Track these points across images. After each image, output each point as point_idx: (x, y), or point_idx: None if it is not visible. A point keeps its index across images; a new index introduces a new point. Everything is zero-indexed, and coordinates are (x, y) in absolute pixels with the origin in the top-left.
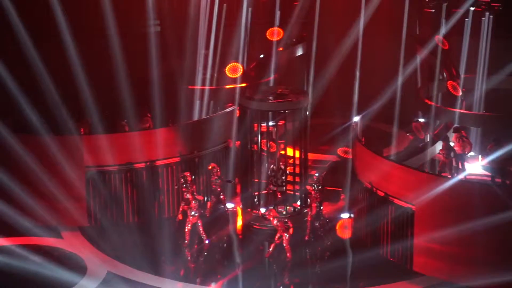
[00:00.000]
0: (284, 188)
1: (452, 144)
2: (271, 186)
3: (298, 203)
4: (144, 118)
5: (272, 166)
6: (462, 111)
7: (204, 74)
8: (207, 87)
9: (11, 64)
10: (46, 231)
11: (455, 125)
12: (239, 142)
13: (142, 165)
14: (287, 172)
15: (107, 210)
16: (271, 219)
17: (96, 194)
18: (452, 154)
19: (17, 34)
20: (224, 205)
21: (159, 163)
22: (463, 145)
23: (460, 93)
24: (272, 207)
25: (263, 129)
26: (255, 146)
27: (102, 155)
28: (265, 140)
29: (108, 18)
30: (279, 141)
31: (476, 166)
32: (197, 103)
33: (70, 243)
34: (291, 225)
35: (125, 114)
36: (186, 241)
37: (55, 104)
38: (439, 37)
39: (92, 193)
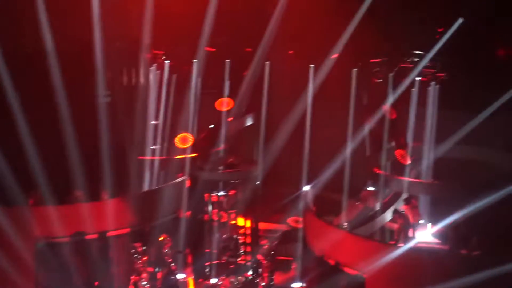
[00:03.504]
0: (236, 258)
1: (402, 212)
2: (224, 256)
3: (250, 272)
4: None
5: (224, 236)
6: (411, 179)
7: (154, 144)
8: (157, 158)
9: None
10: None
11: (405, 194)
12: (189, 212)
13: (93, 236)
14: (239, 242)
15: (56, 282)
16: None
17: (45, 266)
18: (402, 222)
19: None
20: (175, 275)
21: (110, 234)
22: (412, 213)
23: (409, 162)
24: (225, 277)
25: (214, 199)
26: (206, 216)
27: (52, 226)
28: (216, 210)
29: (57, 87)
30: (229, 211)
31: (426, 234)
32: (147, 173)
33: None
34: None
35: (76, 184)
36: None
37: (4, 174)
38: (386, 107)
39: (42, 265)
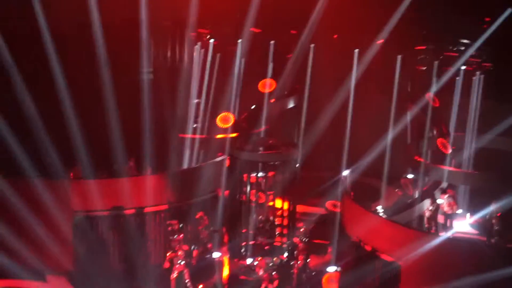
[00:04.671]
0: (272, 240)
1: (440, 201)
2: (260, 237)
3: (285, 254)
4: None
5: (261, 217)
6: (451, 168)
7: (196, 123)
8: (198, 136)
9: (1, 106)
10: (31, 274)
11: (444, 183)
12: (228, 191)
13: (131, 211)
14: (275, 223)
15: (93, 255)
16: (258, 269)
17: (83, 239)
18: (440, 211)
19: (10, 76)
20: (211, 254)
21: (147, 210)
22: (451, 203)
23: (450, 151)
24: (260, 258)
25: (253, 179)
26: (244, 196)
27: (91, 200)
28: (254, 191)
29: (102, 64)
30: (268, 192)
31: (463, 224)
32: (187, 151)
33: (54, 287)
34: (276, 277)
35: (116, 159)
36: None
37: (46, 148)
38: (430, 95)
39: (79, 237)
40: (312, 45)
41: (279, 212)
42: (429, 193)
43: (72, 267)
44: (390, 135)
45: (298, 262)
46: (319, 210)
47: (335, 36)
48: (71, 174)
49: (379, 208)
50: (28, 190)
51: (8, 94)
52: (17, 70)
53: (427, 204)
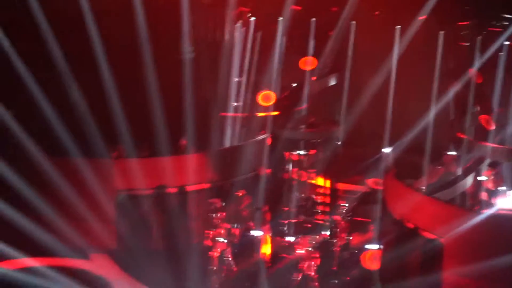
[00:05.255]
0: (314, 218)
1: (484, 178)
2: (302, 216)
3: (327, 232)
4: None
5: (302, 195)
6: (494, 145)
7: (237, 101)
8: (239, 115)
9: (46, 86)
10: (74, 252)
11: (488, 160)
12: (269, 170)
13: (173, 190)
14: (317, 201)
15: (136, 233)
16: (300, 247)
17: (125, 217)
18: (483, 188)
19: (54, 58)
20: (253, 232)
21: (189, 188)
22: (494, 179)
23: (493, 127)
24: (302, 236)
25: (294, 157)
26: (286, 174)
27: (133, 179)
28: (295, 169)
29: (143, 43)
30: (309, 170)
31: (507, 201)
32: (229, 130)
33: (97, 265)
34: (318, 255)
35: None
36: (214, 268)
37: (88, 127)
38: (473, 71)
39: (122, 216)
40: (353, 22)
41: (320, 190)
42: (472, 170)
43: (114, 246)
44: (433, 112)
45: (340, 240)
46: (360, 188)
47: (376, 13)
48: (114, 154)
49: (422, 186)
50: (71, 169)
51: (49, 74)
52: (58, 49)
53: (470, 181)
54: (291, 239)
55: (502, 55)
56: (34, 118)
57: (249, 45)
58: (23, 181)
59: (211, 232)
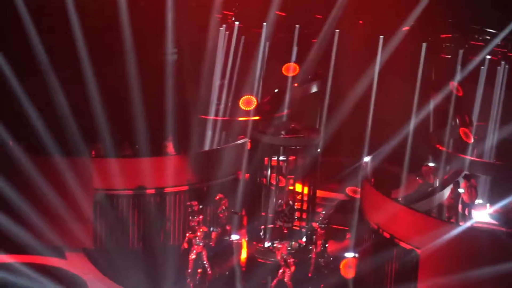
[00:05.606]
0: (291, 224)
1: (461, 191)
2: (279, 221)
3: (304, 239)
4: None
5: (280, 201)
6: (473, 158)
7: (218, 104)
8: (220, 118)
9: (28, 85)
10: (50, 250)
11: (465, 172)
12: (248, 174)
13: (151, 191)
14: (295, 207)
15: (112, 233)
16: (277, 253)
17: (103, 217)
18: (460, 201)
19: (37, 56)
20: (230, 236)
21: (167, 190)
22: (471, 193)
23: (472, 141)
24: (279, 241)
25: (273, 163)
26: (264, 179)
27: (112, 179)
28: (274, 174)
29: (126, 43)
30: (288, 176)
31: (483, 214)
32: (209, 133)
33: (73, 264)
34: (294, 261)
35: (137, 139)
36: (189, 270)
37: (68, 125)
38: (454, 83)
39: (99, 215)
40: (337, 30)
41: (299, 197)
42: (449, 182)
43: (91, 245)
44: (413, 122)
45: (317, 247)
46: (339, 196)
47: (360, 21)
48: (93, 152)
49: (400, 196)
50: (49, 167)
51: (31, 72)
52: (42, 48)
53: (447, 193)
54: (268, 244)
55: (484, 69)
56: (14, 116)
57: (232, 49)
58: (1, 178)
59: (188, 235)
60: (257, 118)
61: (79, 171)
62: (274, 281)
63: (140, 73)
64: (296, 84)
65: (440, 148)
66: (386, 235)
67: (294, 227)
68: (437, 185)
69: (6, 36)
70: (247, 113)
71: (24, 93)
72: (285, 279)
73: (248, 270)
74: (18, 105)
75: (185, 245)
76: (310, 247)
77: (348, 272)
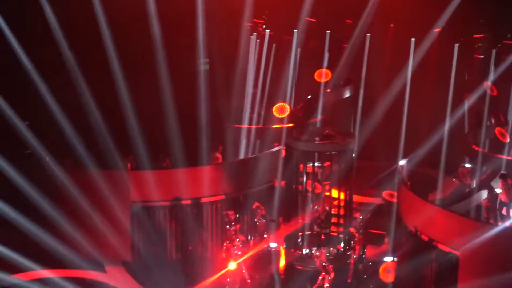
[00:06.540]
0: (328, 230)
1: (498, 191)
2: (317, 228)
3: (342, 245)
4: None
5: (317, 207)
6: (509, 158)
7: (251, 113)
8: (253, 126)
9: (59, 97)
10: (90, 264)
11: (502, 172)
12: (284, 182)
13: (187, 202)
14: (332, 213)
15: (150, 246)
16: (315, 259)
17: (140, 229)
18: (498, 201)
19: (70, 69)
20: (268, 244)
21: (204, 200)
22: (509, 192)
23: (508, 140)
24: (317, 248)
25: (309, 169)
26: (300, 186)
27: (148, 191)
28: (310, 181)
29: (158, 55)
30: (324, 183)
31: None
32: (243, 142)
33: (114, 277)
34: (333, 268)
35: (173, 150)
36: (228, 279)
37: (103, 139)
38: (487, 83)
39: (137, 228)
40: (368, 35)
41: (335, 202)
42: (487, 183)
43: (130, 258)
44: (447, 124)
45: (355, 252)
46: (375, 200)
47: (391, 25)
48: (128, 165)
49: (437, 198)
50: (86, 181)
51: (66, 85)
52: (75, 61)
53: (485, 194)
54: (306, 251)
55: None
56: (50, 130)
57: (263, 57)
58: (39, 193)
59: (226, 244)
60: (291, 125)
61: (116, 184)
62: None
63: (174, 84)
64: (328, 90)
65: (476, 148)
66: (425, 238)
67: (331, 233)
68: (474, 186)
69: (37, 43)
70: (280, 121)
71: (58, 107)
72: (325, 286)
73: (287, 277)
74: (52, 119)
75: (223, 255)
76: (349, 253)
77: (387, 277)
